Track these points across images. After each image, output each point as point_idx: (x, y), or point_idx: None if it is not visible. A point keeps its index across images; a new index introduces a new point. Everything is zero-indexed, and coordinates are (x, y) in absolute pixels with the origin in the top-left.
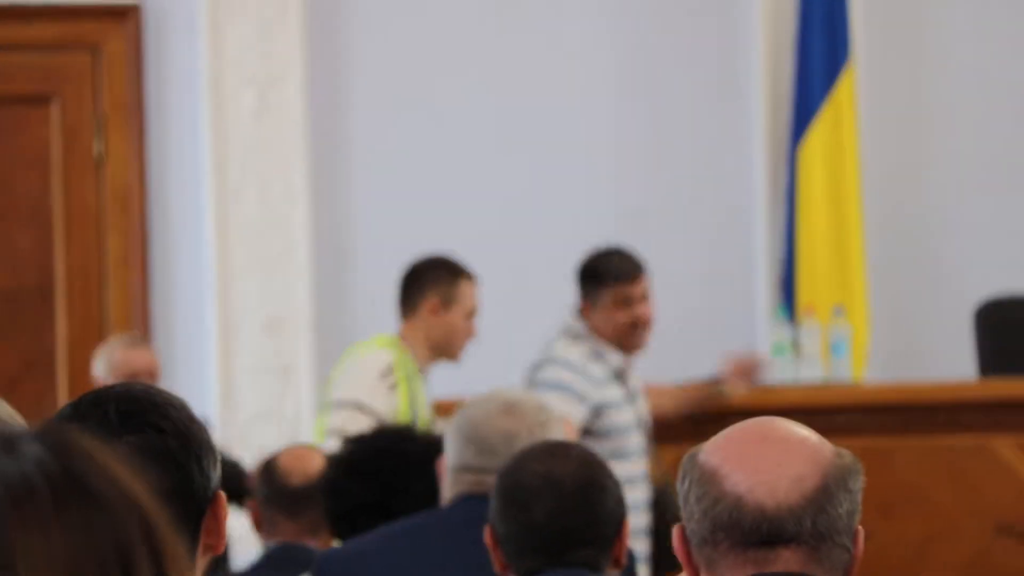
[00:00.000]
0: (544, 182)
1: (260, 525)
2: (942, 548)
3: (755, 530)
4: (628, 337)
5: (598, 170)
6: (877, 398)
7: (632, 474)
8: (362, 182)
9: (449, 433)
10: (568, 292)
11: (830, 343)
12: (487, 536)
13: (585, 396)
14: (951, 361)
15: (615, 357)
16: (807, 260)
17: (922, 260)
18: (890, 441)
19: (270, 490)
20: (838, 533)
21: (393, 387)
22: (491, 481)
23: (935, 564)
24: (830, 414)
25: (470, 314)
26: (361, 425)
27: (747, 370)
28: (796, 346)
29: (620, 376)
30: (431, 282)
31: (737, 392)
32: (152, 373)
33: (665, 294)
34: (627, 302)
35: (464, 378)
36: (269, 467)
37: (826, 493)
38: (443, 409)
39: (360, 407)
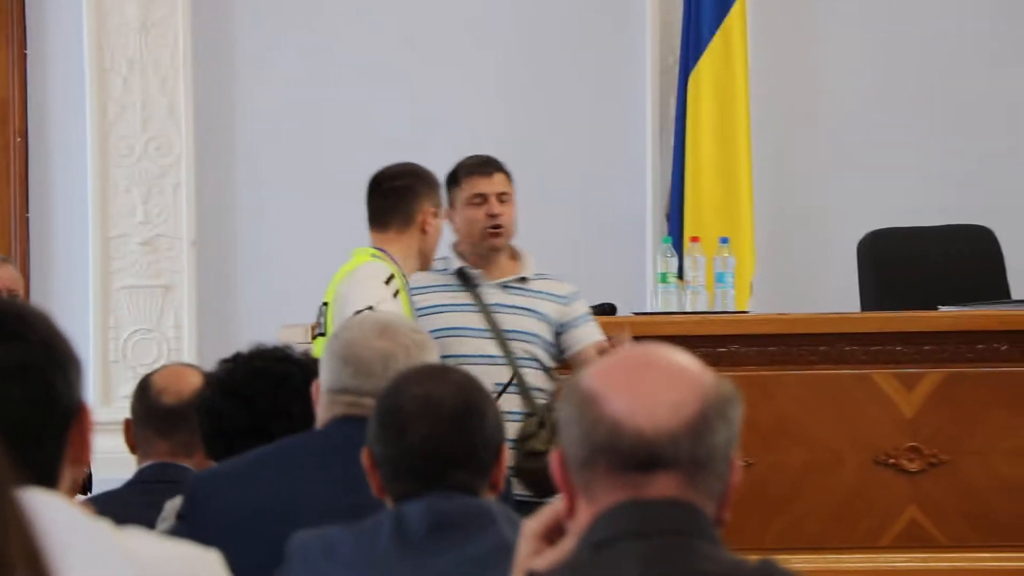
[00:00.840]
0: (432, 111)
1: (134, 446)
2: (822, 478)
3: (633, 454)
4: (484, 238)
5: (487, 98)
6: (760, 328)
7: None
8: (245, 98)
9: (324, 355)
10: None
11: (715, 274)
12: (364, 458)
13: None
14: (834, 294)
15: (456, 261)
16: (694, 190)
17: (807, 193)
18: (772, 372)
19: (143, 409)
20: (715, 460)
21: (396, 295)
22: (367, 403)
23: (814, 494)
24: (714, 344)
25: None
26: None
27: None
28: (681, 276)
29: (466, 280)
30: (423, 193)
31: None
32: (13, 292)
33: (554, 223)
34: (483, 197)
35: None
36: (143, 386)
37: (704, 420)
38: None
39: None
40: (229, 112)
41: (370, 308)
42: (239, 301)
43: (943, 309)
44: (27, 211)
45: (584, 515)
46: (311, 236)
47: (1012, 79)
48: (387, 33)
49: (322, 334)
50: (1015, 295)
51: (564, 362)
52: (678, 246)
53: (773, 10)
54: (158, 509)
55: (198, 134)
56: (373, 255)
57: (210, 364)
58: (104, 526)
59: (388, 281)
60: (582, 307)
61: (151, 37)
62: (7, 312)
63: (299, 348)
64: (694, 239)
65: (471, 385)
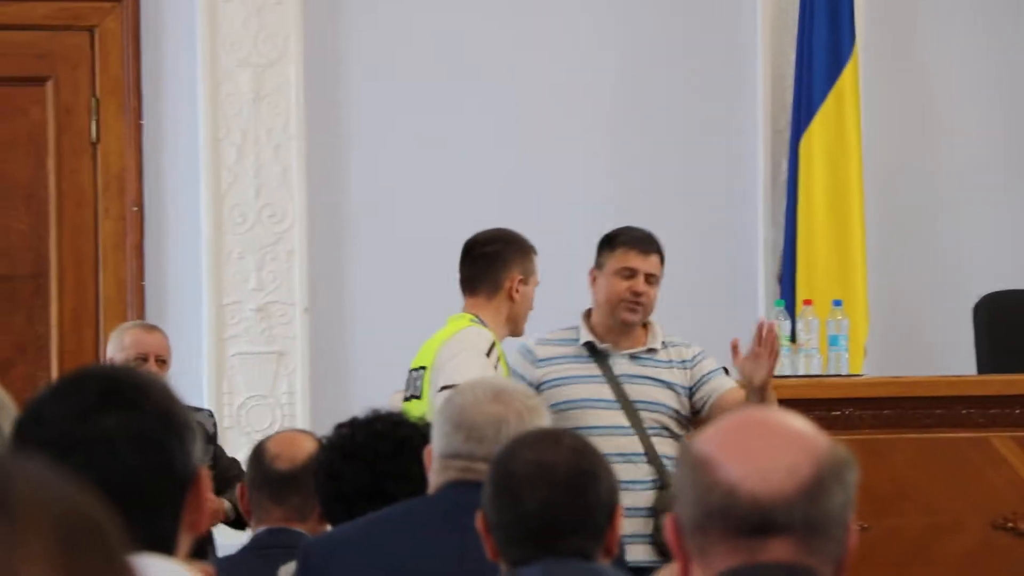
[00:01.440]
0: (542, 170)
1: (249, 511)
2: (940, 543)
3: (747, 519)
4: (620, 309)
5: (598, 160)
6: (875, 392)
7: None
8: (358, 166)
9: (436, 420)
10: (567, 278)
11: (828, 336)
12: (479, 523)
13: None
14: (950, 357)
15: (587, 334)
16: (807, 253)
17: (922, 255)
18: (888, 435)
19: (258, 474)
20: (831, 525)
21: (496, 364)
22: (480, 468)
23: (933, 559)
24: (828, 408)
25: (536, 285)
26: None
27: (757, 352)
28: (795, 339)
29: (595, 351)
30: (513, 258)
31: (758, 375)
32: (162, 357)
33: (667, 286)
34: (632, 272)
35: None
36: (258, 451)
37: (820, 484)
38: None
39: None
40: (342, 179)
41: None
42: (351, 367)
43: None
44: (143, 279)
45: None
46: (422, 303)
47: None
48: (499, 97)
49: (416, 396)
50: None
51: (701, 423)
52: (791, 309)
53: (886, 71)
54: (273, 574)
55: (311, 201)
56: (471, 320)
57: (323, 430)
58: None
59: (489, 352)
60: (710, 364)
61: (264, 106)
62: (126, 381)
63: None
64: (807, 302)
65: (585, 449)
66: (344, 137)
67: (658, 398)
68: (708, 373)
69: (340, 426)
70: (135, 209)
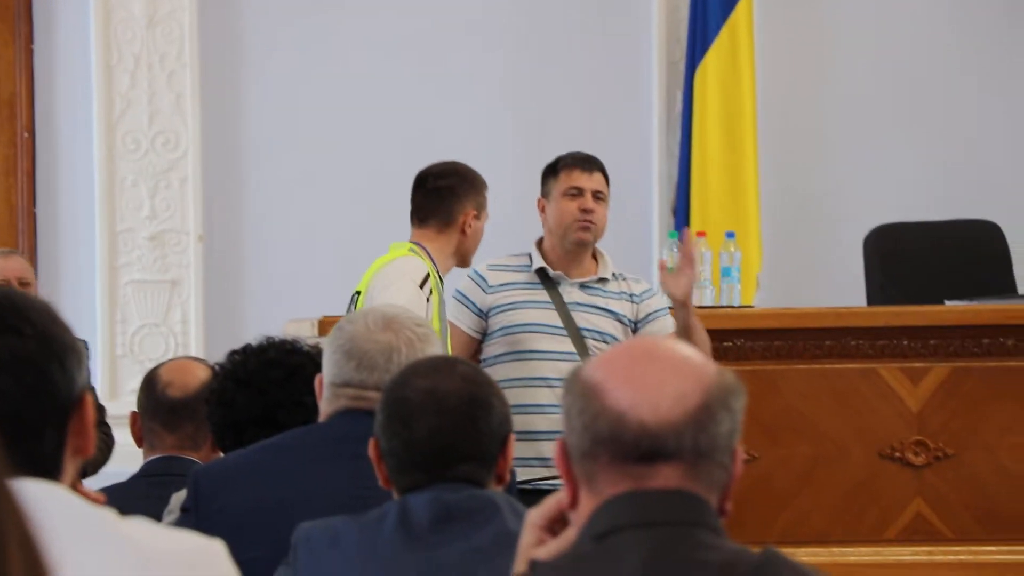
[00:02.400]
0: (437, 109)
1: (141, 439)
2: (828, 472)
3: (635, 445)
4: (573, 231)
5: (492, 94)
6: (766, 323)
7: (532, 377)
8: (252, 92)
9: (327, 349)
10: None
11: (721, 268)
12: (371, 450)
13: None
14: (840, 289)
15: (539, 260)
16: (700, 185)
17: (814, 188)
18: (778, 366)
19: (150, 402)
20: (718, 451)
21: (428, 298)
22: (370, 396)
23: (820, 488)
24: (719, 339)
25: (486, 221)
26: None
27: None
28: None
29: (546, 279)
30: (467, 193)
31: (679, 290)
32: (24, 280)
33: None
34: (579, 191)
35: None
36: (150, 379)
37: (707, 411)
38: (327, 326)
39: None
40: (236, 106)
41: None
42: (246, 296)
43: (949, 304)
44: (34, 206)
45: (586, 506)
46: (318, 231)
47: (1020, 75)
48: (394, 29)
49: None
50: (1021, 290)
51: None
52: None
53: (779, 4)
54: (165, 502)
55: (205, 128)
56: (411, 249)
57: (217, 358)
58: (108, 515)
59: (423, 284)
60: (657, 302)
61: (158, 32)
62: (4, 304)
63: (308, 342)
64: (700, 233)
65: (477, 378)
66: (239, 63)
67: (604, 327)
68: (655, 311)
69: (233, 353)
70: (26, 135)
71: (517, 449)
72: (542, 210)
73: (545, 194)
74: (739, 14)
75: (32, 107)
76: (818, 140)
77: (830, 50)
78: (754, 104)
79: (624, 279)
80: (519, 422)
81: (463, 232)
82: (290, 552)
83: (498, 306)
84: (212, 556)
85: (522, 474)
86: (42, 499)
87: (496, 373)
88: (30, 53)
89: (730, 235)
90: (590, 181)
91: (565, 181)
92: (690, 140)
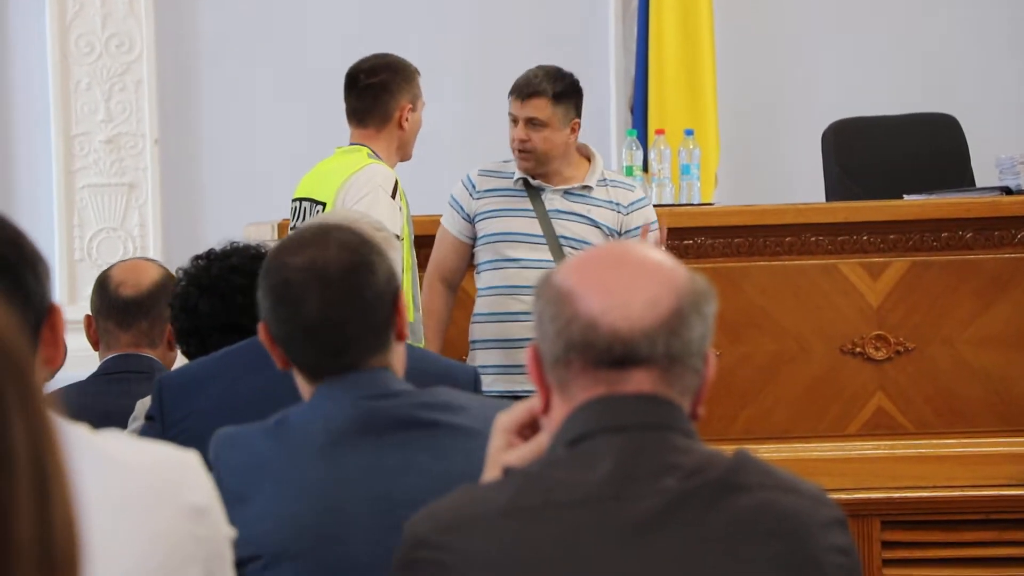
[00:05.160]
0: (402, 5)
1: (96, 341)
2: (789, 368)
3: (608, 351)
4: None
5: None
6: (725, 220)
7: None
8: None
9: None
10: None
11: (680, 166)
12: (261, 334)
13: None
14: (800, 184)
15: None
16: (658, 82)
17: (771, 83)
18: (739, 263)
19: (103, 302)
20: (690, 356)
21: (399, 205)
22: None
23: (781, 384)
24: (679, 236)
25: (423, 109)
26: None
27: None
28: (647, 168)
29: (528, 186)
30: (400, 87)
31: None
32: None
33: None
34: (515, 120)
35: None
36: (102, 280)
37: (679, 316)
38: (287, 229)
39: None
40: (191, 7)
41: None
42: (203, 199)
43: (908, 198)
44: None
45: (559, 412)
46: (274, 132)
47: None
48: None
49: None
50: (979, 183)
51: None
52: (643, 138)
53: None
54: (125, 397)
55: (159, 30)
56: (369, 155)
57: (175, 262)
58: (82, 430)
59: (394, 193)
60: (639, 218)
61: None
62: None
63: (269, 246)
64: (659, 131)
65: (353, 241)
66: None
67: (584, 235)
68: (632, 229)
69: (196, 258)
70: None
71: (495, 357)
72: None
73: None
74: None
75: None
76: (776, 35)
77: None
78: (710, 0)
79: (615, 186)
80: (498, 331)
81: (401, 127)
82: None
83: (482, 212)
84: (187, 467)
85: (502, 383)
86: None
87: (482, 280)
88: None
89: (689, 132)
90: (523, 109)
91: (509, 106)
92: (647, 38)
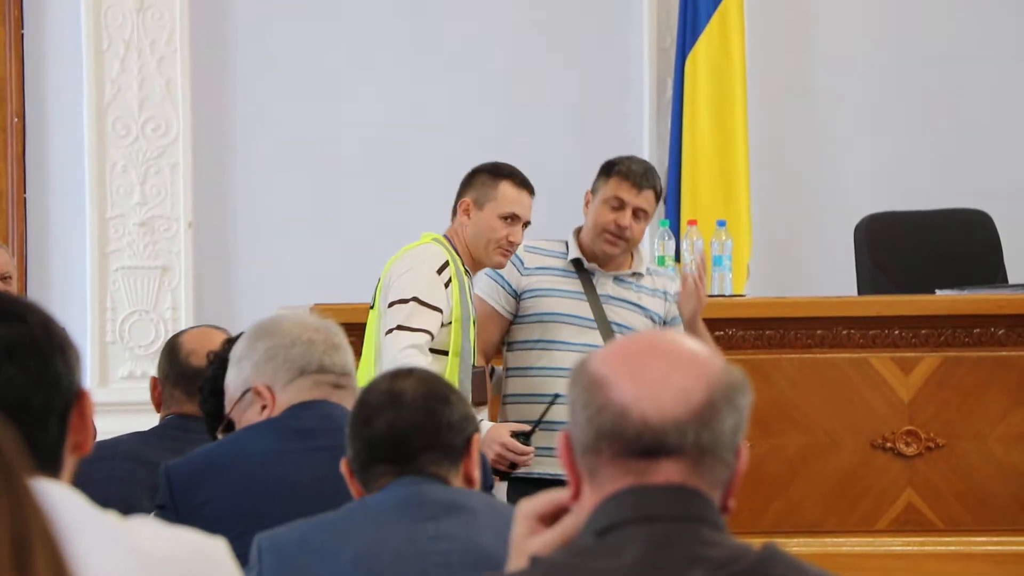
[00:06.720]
0: (426, 97)
1: (161, 404)
2: (819, 462)
3: (638, 440)
4: (602, 240)
5: (484, 78)
6: (757, 312)
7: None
8: (242, 78)
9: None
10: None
11: (712, 257)
12: (343, 467)
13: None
14: (831, 278)
15: (575, 250)
16: (691, 172)
17: (804, 176)
18: (770, 355)
19: (172, 369)
20: (721, 448)
21: (448, 283)
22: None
23: (812, 477)
24: (711, 328)
25: (506, 216)
26: (425, 318)
27: (691, 288)
28: (679, 259)
29: (581, 268)
30: (473, 182)
31: (687, 308)
32: (8, 275)
33: (553, 203)
34: (621, 204)
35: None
36: (171, 346)
37: (711, 407)
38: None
39: (420, 302)
40: (226, 92)
41: (415, 299)
42: (236, 282)
43: (940, 293)
44: (24, 192)
45: (589, 500)
46: (308, 216)
47: (1011, 63)
48: (386, 12)
49: (372, 306)
50: (1012, 279)
51: None
52: (675, 229)
53: None
54: (177, 453)
55: (195, 114)
56: (435, 239)
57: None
58: (111, 517)
59: (441, 269)
60: None
61: (148, 17)
62: (5, 296)
63: None
64: (691, 222)
65: (433, 377)
66: (228, 49)
67: (634, 323)
68: (678, 316)
69: (228, 341)
70: (16, 120)
71: (537, 439)
72: (587, 203)
73: (594, 190)
74: (729, 1)
75: (22, 92)
76: (809, 128)
77: (820, 38)
78: (744, 92)
79: (659, 275)
80: (538, 412)
81: (462, 222)
82: (253, 561)
83: (532, 290)
84: (214, 556)
85: (543, 465)
86: (50, 496)
87: (520, 359)
88: (20, 37)
89: (721, 223)
90: (637, 198)
91: (613, 189)
92: (680, 128)
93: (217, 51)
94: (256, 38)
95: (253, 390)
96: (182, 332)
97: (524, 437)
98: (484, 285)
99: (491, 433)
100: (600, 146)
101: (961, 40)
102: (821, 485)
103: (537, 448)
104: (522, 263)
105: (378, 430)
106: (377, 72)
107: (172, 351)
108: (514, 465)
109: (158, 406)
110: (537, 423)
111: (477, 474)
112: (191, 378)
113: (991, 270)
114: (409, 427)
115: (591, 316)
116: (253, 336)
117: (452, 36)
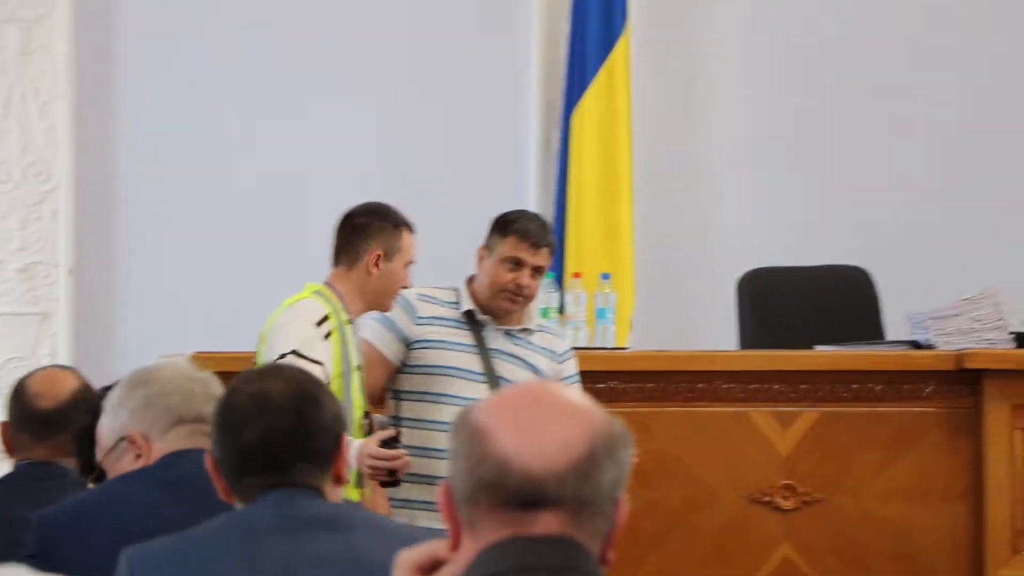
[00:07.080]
0: (318, 144)
1: (12, 448)
2: (698, 516)
3: (518, 492)
4: (500, 298)
5: (369, 125)
6: (639, 365)
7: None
8: (126, 125)
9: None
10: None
11: (596, 309)
12: (208, 462)
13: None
14: (714, 331)
15: (468, 302)
16: (576, 225)
17: (687, 230)
18: (651, 408)
19: (20, 413)
20: (601, 501)
21: (327, 335)
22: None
23: (690, 531)
24: (593, 380)
25: (408, 264)
26: (306, 367)
27: None
28: (563, 311)
29: (473, 321)
30: (376, 233)
31: None
32: None
33: (435, 255)
34: (519, 264)
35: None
36: (18, 388)
37: (592, 460)
38: (201, 361)
39: (299, 355)
40: (110, 138)
41: (294, 352)
42: (117, 330)
43: (819, 348)
44: None
45: (468, 550)
46: (191, 265)
47: (889, 120)
48: (273, 61)
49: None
50: (889, 336)
51: None
52: (560, 281)
53: (657, 48)
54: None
55: (78, 160)
56: (316, 291)
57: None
58: None
59: (321, 322)
60: (572, 367)
61: (31, 62)
62: None
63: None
64: (576, 274)
65: (304, 378)
66: (113, 96)
67: (521, 379)
68: (568, 376)
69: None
70: None
71: (418, 493)
72: (480, 258)
73: (488, 246)
74: (617, 55)
75: None
76: (693, 182)
77: (707, 92)
78: (630, 146)
79: (548, 333)
80: (424, 466)
81: (368, 273)
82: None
83: (425, 340)
84: None
85: (426, 519)
86: None
87: (407, 410)
88: None
89: (605, 276)
90: (535, 257)
91: (511, 249)
92: (566, 180)
93: (101, 97)
94: (141, 85)
95: (128, 438)
96: (30, 374)
97: (391, 442)
98: (373, 330)
99: (360, 451)
100: (486, 201)
101: (844, 98)
102: (699, 538)
103: (421, 501)
104: (415, 312)
105: (249, 439)
106: (263, 122)
107: (19, 394)
108: (393, 472)
109: (9, 451)
110: (398, 423)
111: (346, 472)
112: (39, 422)
113: (870, 326)
114: (281, 435)
115: (481, 370)
116: (130, 384)
117: (338, 85)
